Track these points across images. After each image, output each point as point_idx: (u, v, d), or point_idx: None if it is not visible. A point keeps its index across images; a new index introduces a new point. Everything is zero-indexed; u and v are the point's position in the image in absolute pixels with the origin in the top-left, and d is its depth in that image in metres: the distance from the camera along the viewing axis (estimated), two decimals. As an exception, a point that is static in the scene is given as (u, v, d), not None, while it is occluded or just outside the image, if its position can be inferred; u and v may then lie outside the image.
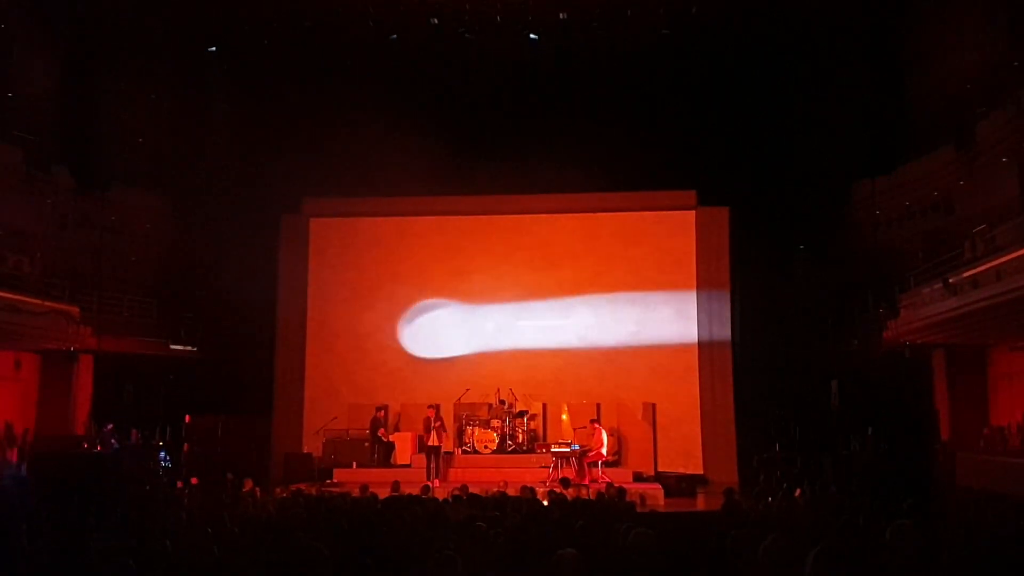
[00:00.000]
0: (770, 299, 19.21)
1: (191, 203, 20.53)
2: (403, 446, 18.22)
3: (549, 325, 20.08)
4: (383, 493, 12.20)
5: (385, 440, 18.33)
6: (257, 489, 13.12)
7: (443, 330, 20.30)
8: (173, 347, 20.26)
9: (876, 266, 19.60)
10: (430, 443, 16.56)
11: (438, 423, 16.84)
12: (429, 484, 15.62)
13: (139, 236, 21.18)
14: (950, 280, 15.73)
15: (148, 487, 15.16)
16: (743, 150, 18.86)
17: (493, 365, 19.79)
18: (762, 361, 18.97)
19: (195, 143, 19.65)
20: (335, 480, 16.97)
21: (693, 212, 19.91)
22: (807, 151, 18.33)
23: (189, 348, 20.47)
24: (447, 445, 17.43)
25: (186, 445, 18.00)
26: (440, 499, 11.49)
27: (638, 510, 10.73)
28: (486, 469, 17.07)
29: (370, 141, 17.90)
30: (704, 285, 19.68)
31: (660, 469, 18.32)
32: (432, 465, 16.30)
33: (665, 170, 19.17)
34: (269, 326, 20.33)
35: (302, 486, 14.57)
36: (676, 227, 20.00)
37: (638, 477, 17.40)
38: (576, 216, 20.32)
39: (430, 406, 16.91)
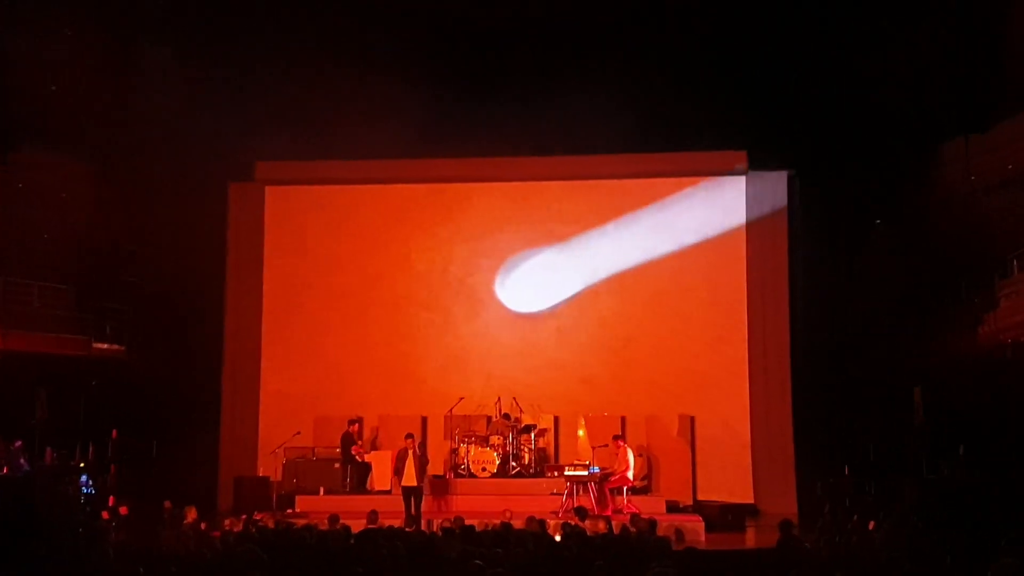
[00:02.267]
0: (838, 287, 19.17)
1: (118, 169, 20.47)
2: (382, 468, 18.23)
3: (562, 318, 20.18)
4: (357, 526, 12.28)
5: (360, 460, 18.39)
6: (204, 522, 13.15)
7: (428, 324, 20.42)
8: (96, 346, 20.25)
9: (970, 246, 19.52)
10: (406, 483, 16.32)
11: (416, 455, 16.55)
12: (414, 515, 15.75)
13: (53, 208, 21.11)
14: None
15: (66, 518, 15.18)
16: (805, 102, 18.81)
17: (493, 368, 19.90)
18: (827, 364, 18.97)
19: (123, 96, 19.59)
20: (298, 509, 17.05)
21: (743, 178, 19.92)
22: (884, 104, 18.27)
23: (115, 347, 20.47)
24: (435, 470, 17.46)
25: (113, 467, 18.02)
26: (428, 533, 11.56)
27: (673, 547, 10.76)
28: (485, 496, 17.13)
29: (338, 92, 17.91)
30: (756, 269, 19.72)
31: (700, 497, 18.40)
32: (412, 511, 16.06)
33: (709, 127, 19.16)
34: (215, 320, 20.40)
35: (257, 516, 14.61)
36: (722, 196, 20.02)
37: (673, 507, 17.45)
38: (596, 183, 20.38)
39: (408, 435, 16.83)
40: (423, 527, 14.82)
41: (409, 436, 16.80)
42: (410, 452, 16.39)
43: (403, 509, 15.91)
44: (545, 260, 20.33)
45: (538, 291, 20.32)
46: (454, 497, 17.46)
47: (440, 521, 13.03)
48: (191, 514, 12.86)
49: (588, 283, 20.21)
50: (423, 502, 16.31)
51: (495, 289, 20.41)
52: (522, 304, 20.36)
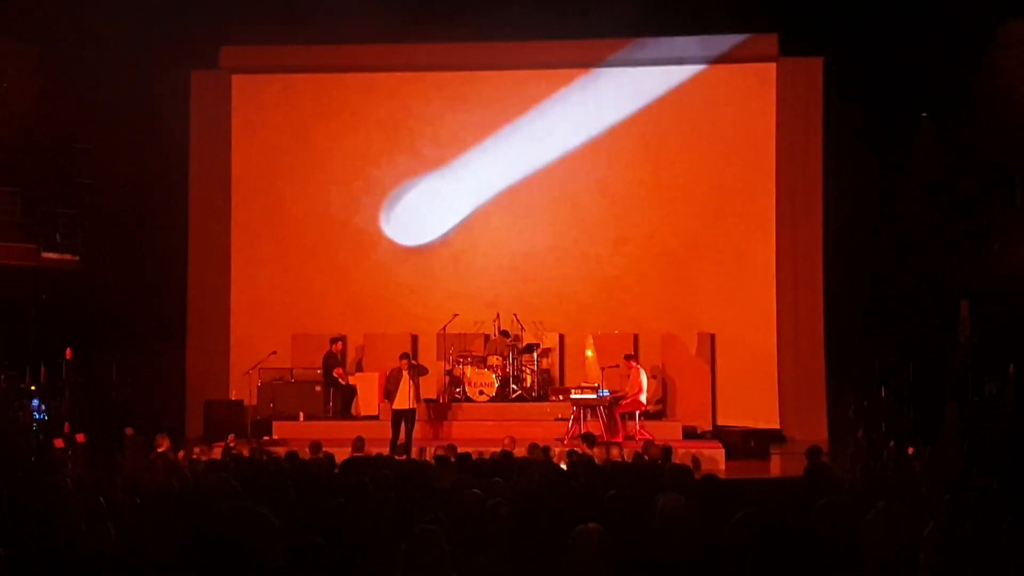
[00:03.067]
0: (877, 189, 19.06)
1: (68, 56, 20.22)
2: (368, 390, 18.38)
3: (563, 224, 20.14)
4: (341, 454, 12.38)
5: (343, 383, 18.52)
6: (181, 451, 13.26)
7: (420, 224, 20.40)
8: (46, 255, 20.17)
9: (1027, 143, 19.41)
10: (398, 406, 16.31)
11: (411, 376, 16.44)
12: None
13: (-6, 100, 20.96)
14: None
15: (16, 447, 15.33)
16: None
17: (490, 281, 19.99)
18: (864, 275, 18.97)
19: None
20: (275, 437, 17.19)
21: (773, 65, 19.73)
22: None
23: (68, 257, 20.39)
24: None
25: (67, 390, 18.10)
26: (420, 461, 11.66)
27: (696, 476, 10.85)
28: (483, 422, 17.33)
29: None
30: (786, 169, 19.62)
31: (720, 423, 18.59)
32: (403, 438, 16.06)
33: (733, 6, 18.92)
34: (178, 226, 20.34)
35: (231, 443, 14.72)
36: (748, 86, 19.88)
37: (690, 433, 17.62)
38: (601, 71, 20.15)
39: (403, 355, 16.78)
40: (414, 455, 14.95)
41: (404, 356, 16.74)
42: (405, 373, 16.34)
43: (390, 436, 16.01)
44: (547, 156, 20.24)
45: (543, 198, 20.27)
46: (449, 423, 17.64)
47: (433, 449, 13.12)
48: (163, 443, 12.85)
49: (596, 188, 20.13)
50: (415, 428, 16.40)
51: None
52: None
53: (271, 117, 20.71)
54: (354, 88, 20.67)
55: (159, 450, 12.73)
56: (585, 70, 20.14)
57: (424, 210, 20.40)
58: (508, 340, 18.62)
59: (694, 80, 20.00)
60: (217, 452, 13.73)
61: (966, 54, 19.26)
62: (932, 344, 18.43)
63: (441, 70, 20.42)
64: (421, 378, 16.76)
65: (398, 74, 20.51)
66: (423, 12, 18.69)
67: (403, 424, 16.14)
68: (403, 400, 16.24)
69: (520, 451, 12.97)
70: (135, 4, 18.69)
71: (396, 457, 13.59)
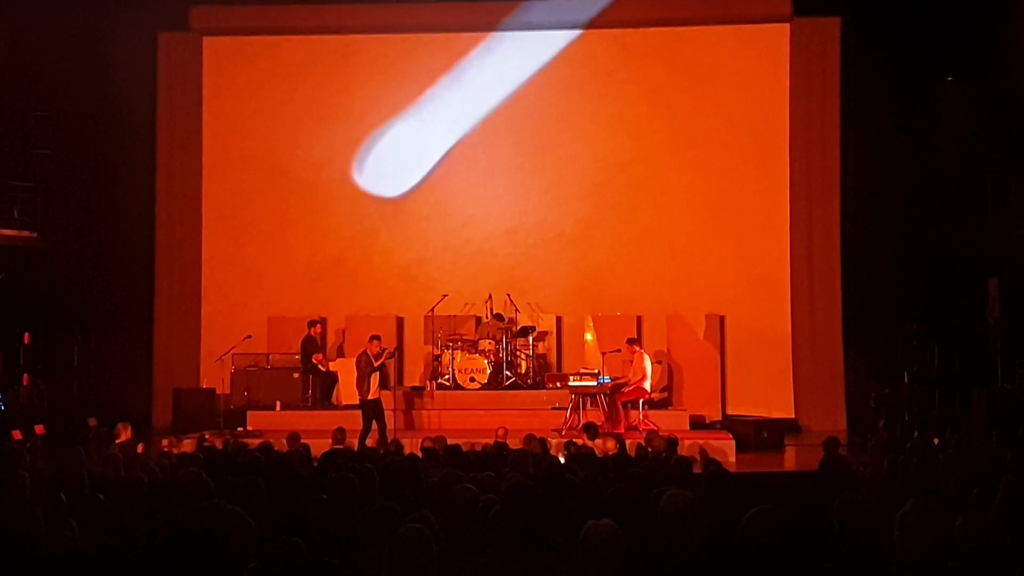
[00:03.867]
0: (899, 158, 19.04)
1: (22, 15, 20.10)
2: (349, 378, 18.27)
3: (563, 196, 20.12)
4: (321, 446, 12.36)
5: (324, 370, 18.54)
6: (141, 443, 13.24)
7: (407, 201, 20.40)
8: (2, 232, 20.17)
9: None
10: (365, 395, 16.06)
11: (382, 358, 16.30)
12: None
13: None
14: None
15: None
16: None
17: (482, 259, 20.04)
18: (885, 251, 18.97)
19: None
20: (250, 427, 17.26)
21: (787, 25, 19.73)
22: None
23: (25, 233, 20.37)
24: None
25: (26, 377, 18.10)
26: (406, 454, 11.63)
27: (697, 470, 10.84)
28: (474, 412, 17.36)
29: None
30: (801, 136, 19.64)
31: (730, 412, 18.63)
32: (372, 431, 15.87)
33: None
34: (145, 200, 20.34)
35: (205, 435, 14.70)
36: (760, 47, 19.91)
37: (698, 423, 17.69)
38: (603, 32, 20.14)
39: (373, 337, 16.52)
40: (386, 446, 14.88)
41: (373, 338, 16.53)
42: (374, 357, 16.12)
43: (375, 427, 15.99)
44: (545, 123, 20.21)
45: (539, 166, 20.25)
46: (437, 412, 17.60)
47: (420, 441, 13.11)
48: (125, 432, 12.90)
49: (597, 156, 20.11)
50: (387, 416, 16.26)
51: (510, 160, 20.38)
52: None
53: (245, 84, 20.67)
54: (333, 49, 20.62)
55: (119, 440, 12.75)
56: (581, 31, 20.09)
57: (403, 157, 20.44)
58: (502, 324, 18.61)
59: (701, 42, 20.01)
60: (188, 445, 13.68)
61: (992, 12, 19.22)
62: (959, 326, 18.44)
63: (428, 32, 20.36)
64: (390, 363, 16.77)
65: (386, 36, 20.53)
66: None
67: (372, 416, 15.93)
68: (372, 388, 16.09)
69: (515, 443, 12.96)
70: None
71: (380, 449, 13.55)
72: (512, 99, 20.16)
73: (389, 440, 15.42)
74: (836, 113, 19.48)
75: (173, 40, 20.56)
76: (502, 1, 19.89)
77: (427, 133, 20.32)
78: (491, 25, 20.22)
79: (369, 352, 16.19)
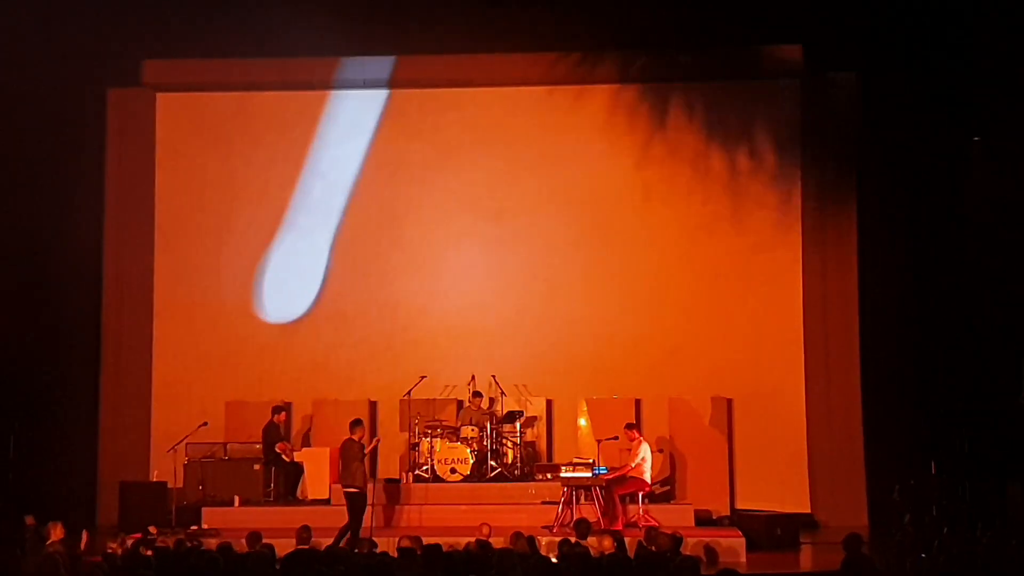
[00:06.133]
0: (923, 224, 19.15)
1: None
2: (317, 469, 18.34)
3: (556, 269, 20.16)
4: (285, 547, 12.32)
5: (288, 460, 18.46)
6: (84, 538, 13.15)
7: (381, 271, 20.41)
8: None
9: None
10: (363, 484, 16.19)
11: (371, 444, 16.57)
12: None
13: None
14: None
15: None
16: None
17: (465, 337, 19.98)
18: (908, 327, 18.98)
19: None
20: (206, 525, 17.11)
21: (798, 82, 19.91)
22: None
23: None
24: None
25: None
26: (380, 555, 11.62)
27: (704, 570, 10.86)
28: (455, 507, 17.28)
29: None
30: (814, 201, 19.72)
31: (740, 506, 18.59)
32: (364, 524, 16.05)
33: (748, 11, 19.12)
34: (91, 271, 20.31)
35: (153, 533, 14.63)
36: (768, 106, 20.02)
37: (704, 519, 17.59)
38: (585, 88, 20.23)
39: (355, 422, 16.64)
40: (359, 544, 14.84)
41: (357, 423, 16.66)
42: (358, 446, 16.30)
43: (347, 523, 15.92)
44: (532, 189, 20.36)
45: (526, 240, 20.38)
46: (413, 508, 17.52)
47: (397, 539, 13.07)
48: (56, 531, 12.71)
49: (587, 224, 20.23)
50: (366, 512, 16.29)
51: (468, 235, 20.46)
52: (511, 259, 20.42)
53: (204, 144, 20.72)
54: (305, 108, 20.76)
55: (51, 540, 12.58)
56: (583, 86, 20.26)
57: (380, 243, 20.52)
58: (486, 409, 18.63)
59: (703, 100, 20.08)
60: (137, 545, 13.60)
61: (1022, 67, 19.46)
62: (991, 410, 18.46)
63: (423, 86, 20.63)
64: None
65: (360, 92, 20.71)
66: (375, 19, 19.08)
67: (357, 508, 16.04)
68: (364, 479, 16.22)
69: (500, 541, 12.92)
70: (40, 10, 18.73)
71: (352, 550, 13.49)
72: (490, 164, 20.35)
73: (362, 537, 15.44)
74: (853, 176, 19.58)
75: (124, 96, 20.60)
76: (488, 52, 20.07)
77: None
78: (478, 81, 20.50)
79: (356, 439, 16.31)
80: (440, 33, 19.48)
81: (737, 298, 19.81)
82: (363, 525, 16.03)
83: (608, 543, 12.61)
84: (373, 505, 16.40)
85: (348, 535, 15.61)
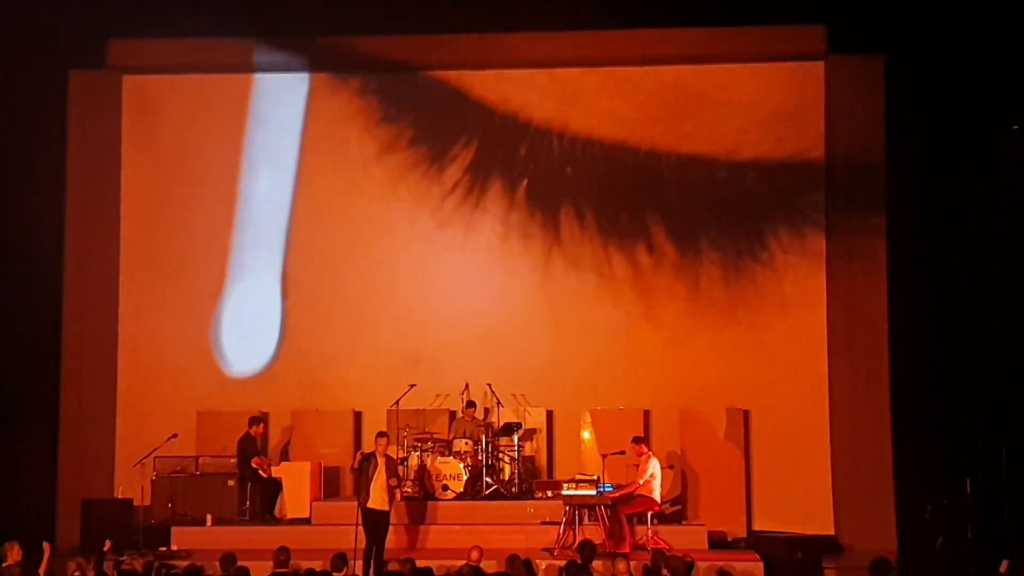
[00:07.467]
0: (956, 220, 19.10)
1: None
2: (296, 485, 18.32)
3: (557, 271, 20.15)
4: (261, 570, 12.24)
5: (265, 476, 18.39)
6: (46, 554, 13.12)
7: (358, 280, 20.43)
8: None
9: None
10: (371, 505, 15.80)
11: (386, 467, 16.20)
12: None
13: None
14: None
15: None
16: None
17: (457, 343, 19.99)
18: (941, 333, 18.93)
19: None
20: (175, 547, 17.06)
21: (822, 64, 19.92)
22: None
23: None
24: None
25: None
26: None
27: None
28: (447, 527, 17.26)
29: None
30: (838, 196, 19.72)
31: (757, 527, 18.56)
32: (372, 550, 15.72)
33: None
34: (50, 270, 20.31)
35: (106, 550, 14.67)
36: (790, 89, 20.04)
37: (718, 541, 17.53)
38: (599, 71, 20.38)
39: (380, 434, 16.46)
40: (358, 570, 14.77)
41: (382, 435, 16.42)
42: (380, 459, 15.95)
43: (333, 545, 15.61)
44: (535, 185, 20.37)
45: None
46: (403, 528, 17.37)
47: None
48: (12, 553, 12.71)
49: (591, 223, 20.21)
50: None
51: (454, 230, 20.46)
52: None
53: (176, 132, 20.74)
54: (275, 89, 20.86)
55: (7, 564, 12.58)
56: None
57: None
58: (481, 420, 18.63)
59: (722, 83, 20.17)
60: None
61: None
62: (1029, 425, 18.42)
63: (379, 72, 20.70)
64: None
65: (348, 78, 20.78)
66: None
67: (376, 529, 15.73)
68: (378, 498, 15.86)
69: (494, 565, 12.85)
70: None
71: (334, 573, 13.37)
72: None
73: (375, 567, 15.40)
74: (882, 167, 19.56)
75: (86, 78, 20.62)
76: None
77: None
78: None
79: (390, 453, 16.33)
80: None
81: (754, 300, 19.82)
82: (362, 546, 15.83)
83: (616, 566, 12.56)
84: (356, 525, 16.22)
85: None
